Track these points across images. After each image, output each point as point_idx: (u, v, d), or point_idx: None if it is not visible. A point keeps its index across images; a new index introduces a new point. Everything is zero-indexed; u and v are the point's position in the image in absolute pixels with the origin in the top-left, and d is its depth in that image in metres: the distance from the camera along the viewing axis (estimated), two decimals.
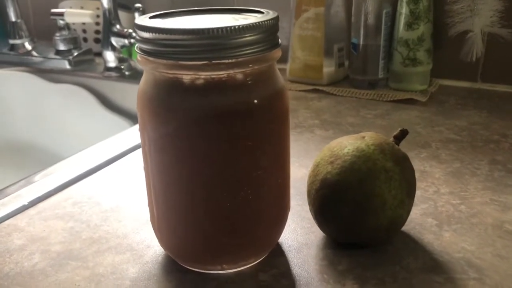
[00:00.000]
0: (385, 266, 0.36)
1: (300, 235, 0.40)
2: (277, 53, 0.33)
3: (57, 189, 0.49)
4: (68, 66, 0.96)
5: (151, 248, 0.39)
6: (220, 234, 0.34)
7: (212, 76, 0.30)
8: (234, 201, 0.33)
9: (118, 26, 0.88)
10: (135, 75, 0.91)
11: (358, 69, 0.77)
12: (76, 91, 0.92)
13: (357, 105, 0.71)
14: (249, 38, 0.30)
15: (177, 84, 0.31)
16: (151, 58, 0.31)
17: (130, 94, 0.88)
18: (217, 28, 0.29)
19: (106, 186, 0.50)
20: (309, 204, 0.39)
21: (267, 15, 0.32)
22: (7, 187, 0.50)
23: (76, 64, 0.97)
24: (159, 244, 0.38)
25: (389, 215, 0.35)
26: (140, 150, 0.49)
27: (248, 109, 0.31)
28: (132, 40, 0.88)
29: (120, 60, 0.92)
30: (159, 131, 0.32)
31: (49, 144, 0.95)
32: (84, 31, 1.05)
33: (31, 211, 0.45)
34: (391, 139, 0.39)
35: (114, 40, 0.89)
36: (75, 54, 0.97)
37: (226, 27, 0.29)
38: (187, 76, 0.31)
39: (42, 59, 0.99)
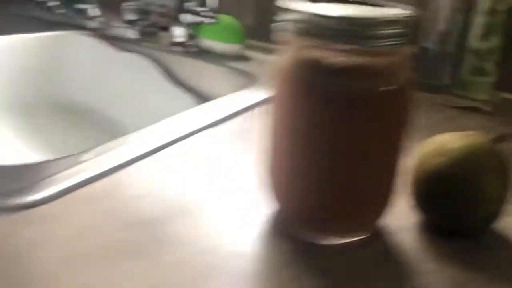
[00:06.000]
0: (487, 253, 0.38)
1: (402, 219, 0.42)
2: (412, 48, 0.35)
3: (107, 172, 0.45)
4: (134, 36, 0.99)
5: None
6: (334, 203, 0.37)
7: (356, 61, 0.33)
8: (354, 177, 0.36)
9: (189, 3, 0.91)
10: (201, 53, 0.93)
11: (424, 72, 0.79)
12: (140, 61, 0.95)
13: (421, 108, 0.73)
14: (392, 31, 0.33)
15: (320, 65, 0.34)
16: (301, 38, 0.34)
17: (194, 71, 0.91)
18: (367, 18, 0.32)
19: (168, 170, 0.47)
20: (413, 194, 0.41)
21: (406, 10, 0.35)
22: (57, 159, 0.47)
23: (143, 35, 0.99)
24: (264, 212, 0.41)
25: (494, 209, 0.38)
26: (205, 132, 0.52)
27: (383, 96, 0.34)
28: (202, 19, 0.91)
29: (187, 36, 0.94)
30: (298, 108, 0.35)
31: (108, 109, 0.97)
32: (154, 3, 1.07)
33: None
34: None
35: (183, 16, 0.92)
36: (143, 25, 1.00)
37: (373, 19, 0.32)
38: (332, 59, 0.33)
39: (109, 26, 1.02)
